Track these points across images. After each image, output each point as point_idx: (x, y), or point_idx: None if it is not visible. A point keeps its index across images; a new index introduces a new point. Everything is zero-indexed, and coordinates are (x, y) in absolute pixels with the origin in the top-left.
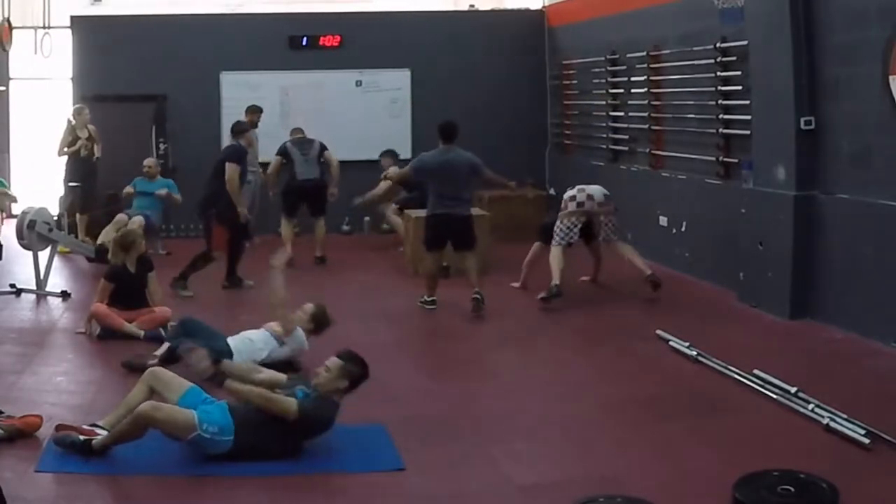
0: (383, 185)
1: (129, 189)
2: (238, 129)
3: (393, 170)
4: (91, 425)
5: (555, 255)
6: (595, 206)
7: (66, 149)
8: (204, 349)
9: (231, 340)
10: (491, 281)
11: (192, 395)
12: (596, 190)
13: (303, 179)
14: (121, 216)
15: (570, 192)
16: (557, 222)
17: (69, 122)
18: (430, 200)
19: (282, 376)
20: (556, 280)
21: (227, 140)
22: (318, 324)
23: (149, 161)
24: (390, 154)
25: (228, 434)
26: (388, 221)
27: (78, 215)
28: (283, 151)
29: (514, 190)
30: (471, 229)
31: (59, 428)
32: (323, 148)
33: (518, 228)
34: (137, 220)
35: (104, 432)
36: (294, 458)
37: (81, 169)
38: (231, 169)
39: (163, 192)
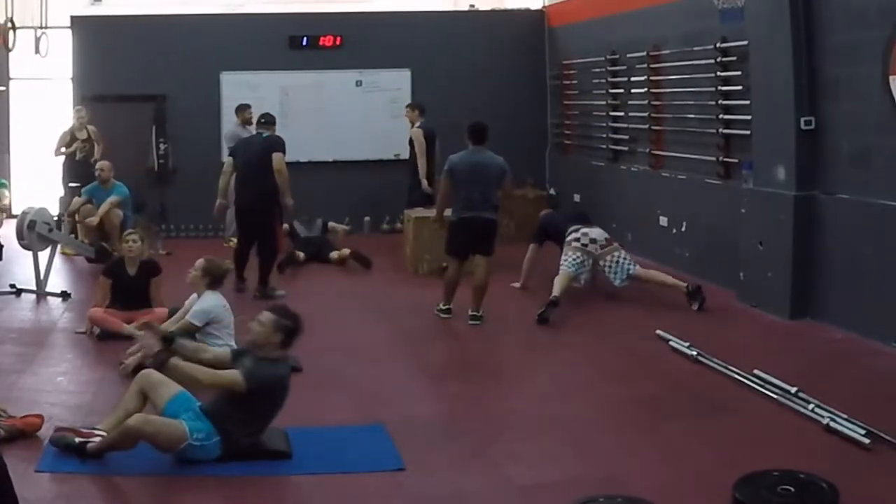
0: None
1: (80, 200)
2: (270, 120)
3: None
4: (91, 428)
5: (561, 278)
6: (598, 248)
7: (62, 149)
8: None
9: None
10: (491, 280)
11: (180, 400)
12: (597, 233)
13: None
14: (88, 206)
15: (572, 234)
16: (563, 254)
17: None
18: (455, 204)
19: (226, 352)
20: (556, 292)
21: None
22: (212, 274)
23: (102, 164)
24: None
25: (215, 436)
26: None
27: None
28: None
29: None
30: (494, 235)
31: (58, 430)
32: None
33: (518, 229)
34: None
35: (103, 433)
36: (260, 429)
37: (79, 170)
38: (280, 158)
39: (111, 201)
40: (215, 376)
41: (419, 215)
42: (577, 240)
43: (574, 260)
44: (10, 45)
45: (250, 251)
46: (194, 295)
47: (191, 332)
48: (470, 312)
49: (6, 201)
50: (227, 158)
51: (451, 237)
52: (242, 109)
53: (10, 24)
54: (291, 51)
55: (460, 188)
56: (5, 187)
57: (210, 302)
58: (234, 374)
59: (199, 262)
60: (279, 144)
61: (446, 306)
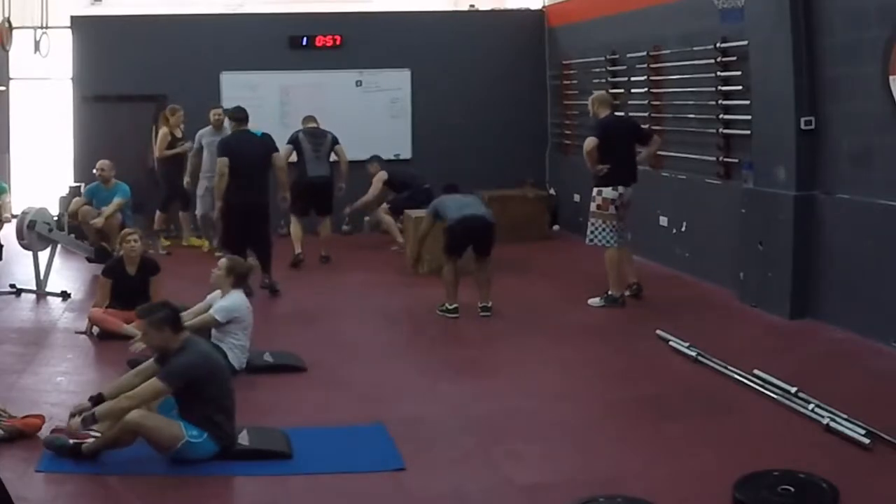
0: (373, 190)
1: (81, 200)
2: (245, 116)
3: (381, 175)
4: (85, 429)
5: (612, 259)
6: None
7: (166, 151)
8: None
9: None
10: (490, 279)
11: (168, 403)
12: (629, 192)
13: (313, 176)
14: (88, 207)
15: (610, 194)
16: (599, 222)
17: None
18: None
19: (151, 365)
20: (615, 291)
21: None
22: (237, 273)
23: (102, 163)
24: (377, 159)
25: (204, 432)
26: (380, 222)
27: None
28: (293, 141)
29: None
30: (494, 235)
31: (54, 431)
32: (335, 142)
33: (518, 228)
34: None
35: (98, 435)
36: (225, 406)
37: (177, 167)
38: (281, 157)
39: (117, 203)
40: (138, 397)
41: (420, 215)
42: (614, 201)
43: (611, 229)
44: (8, 45)
45: (246, 250)
46: (217, 291)
47: (211, 327)
48: (480, 305)
49: (6, 213)
50: (216, 159)
51: (450, 238)
52: (220, 112)
53: (7, 24)
54: (291, 51)
55: (453, 199)
56: (5, 192)
57: (234, 300)
58: (153, 385)
59: (223, 261)
60: (275, 144)
61: (452, 306)
